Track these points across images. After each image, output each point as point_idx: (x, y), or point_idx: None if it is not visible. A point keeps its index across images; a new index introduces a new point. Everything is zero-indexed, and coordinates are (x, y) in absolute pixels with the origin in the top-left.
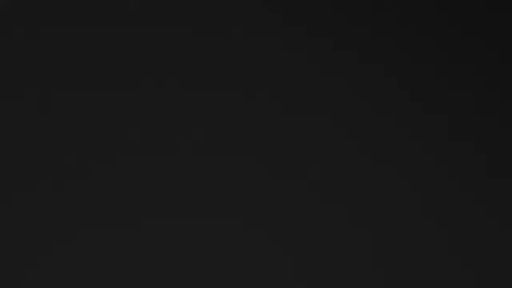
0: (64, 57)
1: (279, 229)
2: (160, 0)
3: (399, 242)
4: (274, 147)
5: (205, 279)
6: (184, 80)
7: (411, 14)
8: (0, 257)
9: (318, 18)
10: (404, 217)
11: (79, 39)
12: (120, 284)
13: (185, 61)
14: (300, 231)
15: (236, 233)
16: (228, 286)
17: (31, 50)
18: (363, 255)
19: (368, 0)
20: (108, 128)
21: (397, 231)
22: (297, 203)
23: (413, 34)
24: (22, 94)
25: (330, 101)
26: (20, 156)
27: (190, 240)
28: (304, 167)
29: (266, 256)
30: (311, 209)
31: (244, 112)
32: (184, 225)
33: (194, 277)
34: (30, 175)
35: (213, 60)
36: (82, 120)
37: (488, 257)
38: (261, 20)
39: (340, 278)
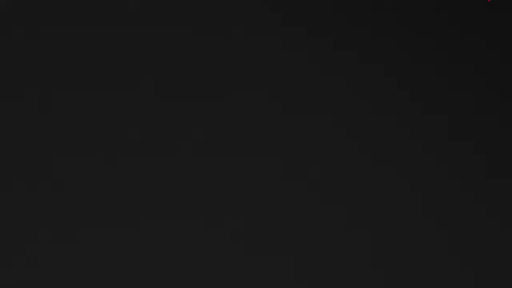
0: (64, 57)
1: (278, 229)
2: (160, 0)
3: (399, 242)
4: (274, 147)
5: (205, 279)
6: (184, 80)
7: (411, 14)
8: (0, 257)
9: (318, 18)
10: (404, 217)
11: (79, 39)
12: (120, 284)
13: (185, 61)
14: (300, 231)
15: (236, 233)
16: (228, 286)
17: (31, 50)
18: (363, 255)
19: (368, 0)
20: (108, 128)
21: (397, 231)
22: (297, 203)
23: (413, 34)
24: (22, 94)
25: (330, 101)
26: (20, 156)
27: (190, 240)
28: (304, 167)
29: (266, 256)
30: (311, 209)
31: (244, 112)
32: (184, 225)
33: (194, 277)
34: (30, 175)
35: (213, 60)
36: (82, 120)
37: (488, 257)
38: (261, 20)
39: (340, 278)
